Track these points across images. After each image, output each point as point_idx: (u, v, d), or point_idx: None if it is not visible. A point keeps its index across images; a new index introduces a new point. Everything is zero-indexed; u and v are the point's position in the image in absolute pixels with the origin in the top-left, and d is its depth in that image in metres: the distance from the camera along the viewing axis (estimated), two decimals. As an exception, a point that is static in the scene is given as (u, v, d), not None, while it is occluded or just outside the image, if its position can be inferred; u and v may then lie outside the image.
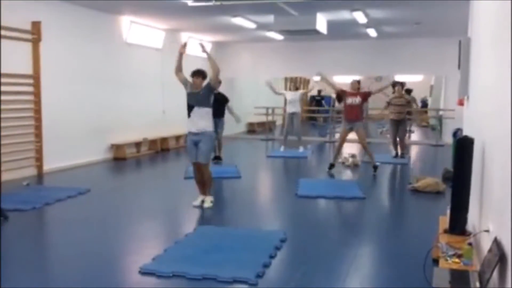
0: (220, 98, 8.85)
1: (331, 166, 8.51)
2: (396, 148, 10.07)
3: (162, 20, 10.76)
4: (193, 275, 3.56)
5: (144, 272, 3.67)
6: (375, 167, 8.26)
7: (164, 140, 11.48)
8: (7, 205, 5.72)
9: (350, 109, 8.26)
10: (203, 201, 5.94)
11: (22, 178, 7.36)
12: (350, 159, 9.11)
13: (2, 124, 7.22)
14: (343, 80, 13.53)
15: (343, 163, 9.13)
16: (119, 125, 10.14)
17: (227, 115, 9.39)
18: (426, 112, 19.06)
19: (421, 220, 5.51)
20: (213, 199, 5.99)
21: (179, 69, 5.95)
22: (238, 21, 10.29)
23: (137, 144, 10.64)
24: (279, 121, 18.15)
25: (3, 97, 7.25)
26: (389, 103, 10.02)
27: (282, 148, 11.21)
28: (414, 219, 5.71)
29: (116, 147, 9.97)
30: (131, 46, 10.56)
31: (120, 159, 9.86)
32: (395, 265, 3.97)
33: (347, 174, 8.44)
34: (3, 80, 7.20)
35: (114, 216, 5.64)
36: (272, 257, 4.01)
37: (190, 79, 5.89)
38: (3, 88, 7.23)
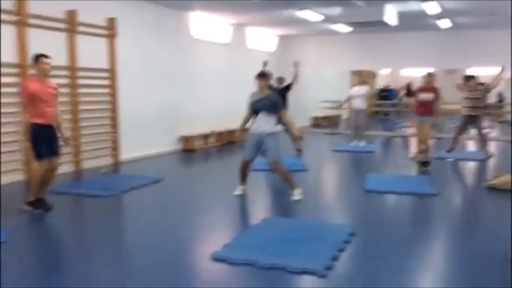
0: (284, 93, 8.92)
1: (425, 164, 7.91)
2: (456, 143, 9.39)
3: (229, 15, 10.94)
4: (262, 264, 3.64)
5: (216, 259, 3.80)
6: (426, 163, 7.91)
7: (230, 132, 11.70)
8: (88, 191, 6.11)
9: (423, 105, 8.04)
10: (243, 190, 6.02)
11: (100, 167, 7.80)
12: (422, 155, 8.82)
13: (82, 116, 7.70)
14: (413, 73, 13.13)
15: (414, 158, 8.88)
16: (188, 117, 10.46)
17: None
18: (502, 106, 18.04)
19: (497, 218, 5.26)
20: (301, 191, 5.97)
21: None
22: (305, 14, 10.25)
23: (205, 136, 10.93)
24: (345, 115, 17.91)
25: (83, 90, 7.71)
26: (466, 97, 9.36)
27: (354, 143, 11.09)
28: (490, 217, 5.46)
29: (185, 139, 10.31)
30: (199, 41, 10.83)
31: (189, 150, 10.17)
32: (469, 264, 3.83)
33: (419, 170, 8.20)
34: (82, 73, 7.64)
35: (185, 204, 5.85)
36: (340, 250, 4.01)
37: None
38: (82, 82, 7.69)
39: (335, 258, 3.81)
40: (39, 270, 3.80)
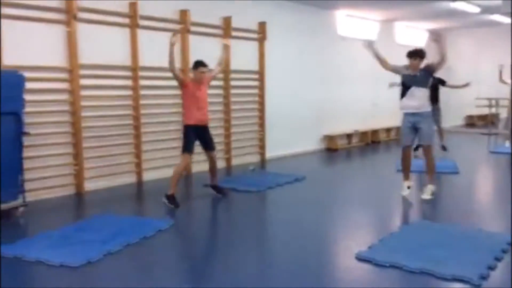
0: (436, 83, 8.43)
1: None
2: None
3: (377, 11, 10.70)
4: (410, 268, 3.54)
5: (360, 259, 3.79)
6: None
7: (374, 132, 11.46)
8: (238, 185, 6.52)
9: None
10: (408, 187, 5.84)
11: (248, 164, 8.24)
12: None
13: (233, 115, 8.23)
14: None
15: None
16: (332, 116, 10.50)
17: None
18: None
19: None
20: (434, 190, 5.76)
21: (385, 62, 5.84)
22: (460, 5, 9.59)
23: (348, 136, 10.86)
24: (503, 114, 16.29)
25: (234, 91, 8.22)
26: None
27: (507, 144, 10.10)
28: None
29: (328, 138, 10.37)
30: (345, 39, 10.78)
31: (332, 149, 10.21)
32: None
33: None
34: (234, 76, 8.15)
35: (328, 202, 5.91)
36: (497, 259, 3.71)
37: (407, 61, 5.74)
38: (234, 83, 8.20)
39: (491, 267, 3.55)
40: (191, 257, 4.20)
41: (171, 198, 5.53)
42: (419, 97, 5.63)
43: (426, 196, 5.70)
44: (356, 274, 3.63)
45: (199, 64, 5.62)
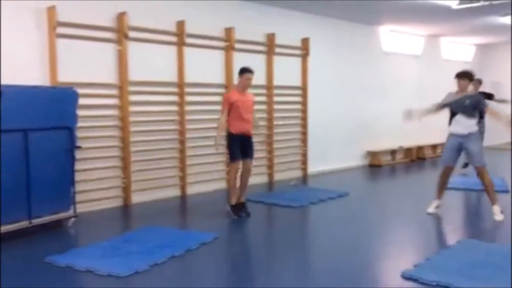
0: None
1: None
2: None
3: (422, 26, 10.58)
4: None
5: (406, 277, 3.72)
6: None
7: (420, 148, 11.24)
8: (280, 201, 6.53)
9: None
10: (437, 207, 5.73)
11: (290, 179, 8.25)
12: None
13: (275, 131, 8.28)
14: None
15: None
16: (375, 132, 10.39)
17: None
18: None
19: None
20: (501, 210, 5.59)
21: (432, 111, 5.86)
22: (507, 20, 9.33)
23: (392, 152, 10.69)
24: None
25: (277, 107, 8.29)
26: None
27: None
28: None
29: (372, 154, 10.25)
30: (389, 54, 10.69)
31: (375, 166, 10.08)
32: None
33: None
34: (277, 91, 8.23)
35: (371, 219, 5.83)
36: (551, 282, 3.56)
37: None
38: (277, 99, 8.27)
39: (544, 290, 3.41)
40: (234, 270, 4.24)
41: (232, 208, 5.74)
42: (465, 125, 5.51)
43: (497, 217, 5.49)
44: (401, 292, 3.57)
45: (245, 70, 5.72)
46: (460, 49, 13.10)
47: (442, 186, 5.81)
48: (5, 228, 4.68)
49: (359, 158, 10.17)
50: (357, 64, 9.95)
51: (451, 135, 5.67)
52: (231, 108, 5.67)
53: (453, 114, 5.63)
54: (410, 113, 5.84)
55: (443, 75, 10.99)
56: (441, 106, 5.77)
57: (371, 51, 10.34)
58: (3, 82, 4.65)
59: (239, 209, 5.76)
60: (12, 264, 4.02)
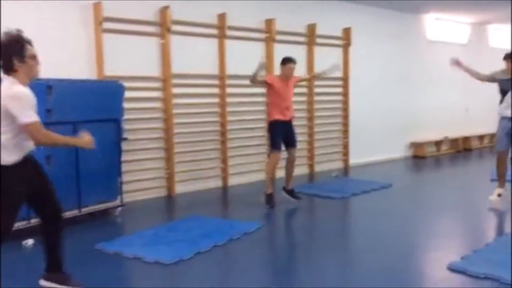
0: None
1: None
2: None
3: (468, 14, 10.22)
4: (507, 280, 3.35)
5: (453, 269, 3.65)
6: None
7: (466, 139, 10.91)
8: (321, 192, 6.52)
9: None
10: (499, 195, 5.58)
11: (331, 170, 8.19)
12: None
13: (316, 122, 8.25)
14: None
15: None
16: (419, 123, 10.15)
17: None
18: None
19: None
20: None
21: (477, 74, 5.75)
22: None
23: (437, 143, 10.43)
24: None
25: (318, 98, 8.24)
26: None
27: None
28: None
29: (415, 145, 10.04)
30: (434, 43, 10.40)
31: (420, 157, 9.87)
32: None
33: None
34: (318, 82, 8.16)
35: (415, 211, 5.72)
36: None
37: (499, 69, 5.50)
38: (318, 90, 8.22)
39: None
40: (275, 260, 4.27)
41: (267, 197, 5.73)
42: None
43: None
44: (448, 285, 3.49)
45: (287, 60, 5.72)
46: (509, 37, 12.57)
47: (501, 174, 5.66)
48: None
49: (403, 149, 9.98)
50: (401, 54, 9.73)
51: (503, 118, 5.51)
52: (271, 93, 5.70)
53: (503, 93, 5.46)
54: (455, 60, 6.02)
55: (490, 63, 10.55)
56: (491, 78, 5.65)
57: (415, 40, 10.08)
58: (52, 77, 4.83)
59: (272, 200, 5.74)
60: (65, 251, 4.19)
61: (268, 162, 5.92)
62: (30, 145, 3.06)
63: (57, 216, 3.27)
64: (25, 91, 2.91)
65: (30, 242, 4.35)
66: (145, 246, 4.30)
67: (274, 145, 5.73)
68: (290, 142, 5.84)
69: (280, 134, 5.73)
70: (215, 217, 5.39)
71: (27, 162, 3.06)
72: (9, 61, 2.89)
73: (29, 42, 2.98)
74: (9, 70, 2.91)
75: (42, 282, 3.31)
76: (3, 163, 2.92)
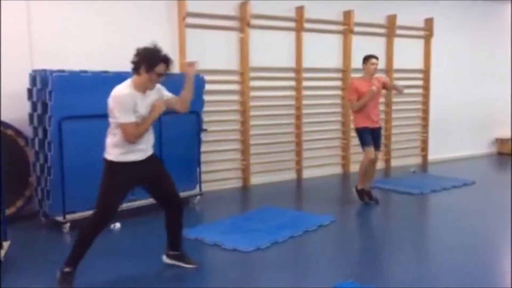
0: None
1: None
2: None
3: None
4: None
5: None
6: None
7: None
8: (398, 187, 6.38)
9: None
10: None
11: (409, 166, 7.97)
12: None
13: (394, 116, 8.04)
14: None
15: None
16: (504, 118, 9.57)
17: None
18: None
19: None
20: None
21: None
22: None
23: (525, 140, 9.79)
24: None
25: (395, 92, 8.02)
26: None
27: None
28: None
29: (501, 141, 9.51)
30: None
31: (505, 154, 9.33)
32: None
33: None
34: (397, 75, 7.95)
35: (500, 210, 5.43)
36: None
37: None
38: (397, 82, 7.99)
39: None
40: (350, 253, 4.26)
41: (359, 192, 5.65)
42: None
43: None
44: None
45: (369, 56, 5.54)
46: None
47: None
48: (141, 202, 5.16)
49: (487, 146, 9.49)
50: (486, 44, 9.21)
51: None
52: (358, 97, 5.43)
53: None
54: None
55: None
56: None
57: (502, 31, 9.47)
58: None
59: (364, 196, 5.64)
60: (150, 236, 4.45)
61: (362, 159, 5.63)
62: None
63: (176, 205, 3.59)
64: (122, 94, 3.19)
65: (117, 225, 4.67)
66: (223, 233, 4.47)
67: (365, 143, 5.48)
68: (375, 145, 5.55)
69: (369, 133, 5.49)
70: (289, 209, 5.46)
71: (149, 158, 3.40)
72: (138, 64, 3.21)
73: (165, 61, 3.28)
74: (135, 71, 3.24)
75: (165, 259, 3.71)
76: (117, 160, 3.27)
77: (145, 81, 3.24)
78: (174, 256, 3.69)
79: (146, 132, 3.34)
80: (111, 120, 3.25)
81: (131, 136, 3.22)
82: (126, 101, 3.18)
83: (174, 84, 5.48)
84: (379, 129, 5.65)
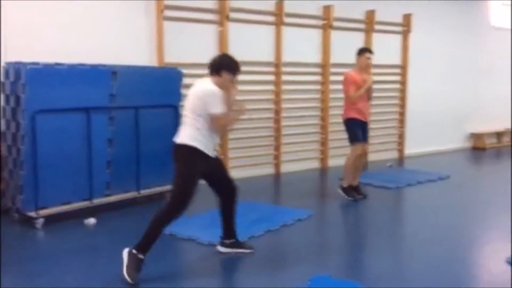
0: None
1: None
2: None
3: (538, -2, 9.65)
4: None
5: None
6: None
7: (530, 131, 10.38)
8: (375, 181, 6.45)
9: None
10: None
11: (385, 160, 8.07)
12: None
13: (373, 110, 8.09)
14: None
15: None
16: (479, 114, 9.78)
17: None
18: None
19: None
20: None
21: None
22: None
23: (499, 134, 10.01)
24: None
25: (374, 86, 8.05)
26: None
27: None
28: None
29: (475, 136, 9.70)
30: (499, 30, 9.91)
31: (479, 148, 9.52)
32: None
33: None
34: (375, 70, 7.96)
35: (473, 203, 5.59)
36: None
37: None
38: (374, 78, 8.03)
39: None
40: (327, 247, 4.29)
41: (346, 190, 5.61)
42: None
43: None
44: (507, 278, 3.40)
45: (365, 49, 5.53)
46: None
47: None
48: (118, 197, 5.12)
49: (462, 140, 9.67)
50: (463, 41, 9.36)
51: None
52: (355, 88, 5.36)
53: None
54: None
55: None
56: None
57: (479, 27, 9.65)
58: (116, 63, 5.04)
59: (352, 191, 5.63)
60: (126, 230, 4.41)
61: (349, 155, 5.59)
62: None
63: (232, 194, 3.83)
64: (215, 88, 3.48)
65: (92, 220, 4.62)
66: (200, 228, 4.46)
67: (355, 139, 5.45)
68: (364, 137, 5.57)
69: (360, 128, 5.48)
70: (268, 204, 5.47)
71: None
72: (219, 67, 3.56)
73: (233, 70, 3.59)
74: (215, 72, 3.57)
75: (221, 249, 3.89)
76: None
77: (223, 82, 3.54)
78: (231, 244, 3.86)
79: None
80: (195, 114, 3.46)
81: (224, 124, 3.56)
82: (219, 95, 3.47)
83: (155, 77, 5.47)
84: (367, 123, 5.67)
